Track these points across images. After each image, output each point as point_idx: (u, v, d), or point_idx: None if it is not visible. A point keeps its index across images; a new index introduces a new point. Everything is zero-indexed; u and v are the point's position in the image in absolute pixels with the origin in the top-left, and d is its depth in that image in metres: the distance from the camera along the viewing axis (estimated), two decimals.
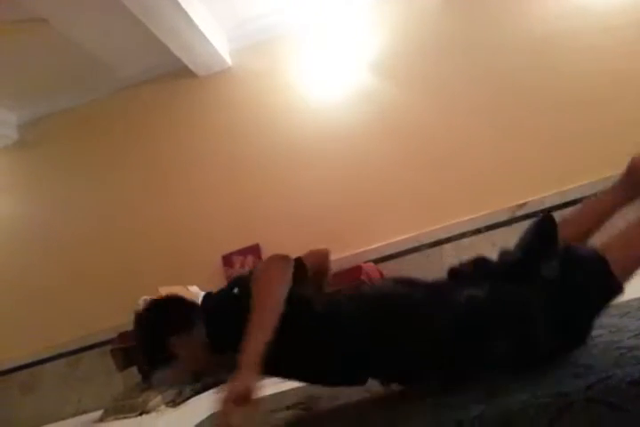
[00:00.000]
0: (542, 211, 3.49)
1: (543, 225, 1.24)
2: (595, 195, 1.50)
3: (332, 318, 1.21)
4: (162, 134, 4.24)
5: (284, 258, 1.24)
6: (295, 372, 1.28)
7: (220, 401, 0.99)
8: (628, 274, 1.13)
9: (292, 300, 1.17)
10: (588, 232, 1.43)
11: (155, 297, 1.53)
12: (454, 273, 1.35)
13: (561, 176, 3.51)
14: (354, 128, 3.88)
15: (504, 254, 1.32)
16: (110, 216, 4.21)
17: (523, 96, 3.67)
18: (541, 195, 3.51)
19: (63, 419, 3.76)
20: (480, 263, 1.31)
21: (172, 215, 4.10)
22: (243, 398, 0.98)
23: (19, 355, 4.08)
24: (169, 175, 4.16)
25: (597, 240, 1.33)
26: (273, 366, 1.10)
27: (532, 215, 3.49)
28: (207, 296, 1.41)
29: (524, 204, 3.53)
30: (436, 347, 1.12)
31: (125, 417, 2.84)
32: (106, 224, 4.20)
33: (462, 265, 1.35)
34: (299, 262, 1.44)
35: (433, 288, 1.27)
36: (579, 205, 1.54)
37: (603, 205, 1.44)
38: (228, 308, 1.24)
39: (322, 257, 1.53)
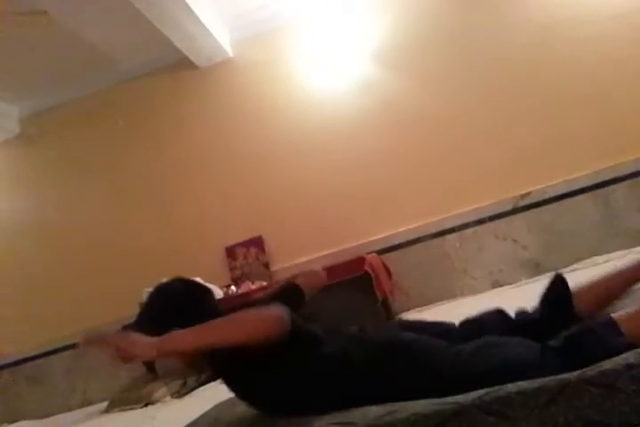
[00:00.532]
0: (546, 200, 3.49)
1: (557, 289, 1.22)
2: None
3: (342, 363, 1.18)
4: (164, 126, 4.23)
5: (280, 322, 1.12)
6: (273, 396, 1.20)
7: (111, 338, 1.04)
8: None
9: (300, 334, 1.17)
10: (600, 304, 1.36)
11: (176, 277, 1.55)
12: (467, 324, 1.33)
13: (564, 165, 3.49)
14: (356, 118, 3.87)
15: (521, 314, 1.32)
16: (113, 209, 4.23)
17: (526, 85, 3.65)
18: (545, 184, 3.50)
19: (70, 410, 3.80)
20: (494, 318, 1.30)
21: (175, 208, 4.10)
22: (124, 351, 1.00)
23: (25, 348, 4.11)
24: (172, 167, 4.16)
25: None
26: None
27: (536, 205, 3.50)
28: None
29: (528, 193, 3.52)
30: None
31: (131, 408, 2.86)
32: (109, 217, 4.21)
33: (477, 319, 1.33)
34: (296, 289, 1.44)
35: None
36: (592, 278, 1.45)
37: (617, 281, 1.39)
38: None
39: (318, 281, 1.50)
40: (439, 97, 3.79)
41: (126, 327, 3.18)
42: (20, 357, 4.13)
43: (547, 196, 3.49)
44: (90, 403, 3.73)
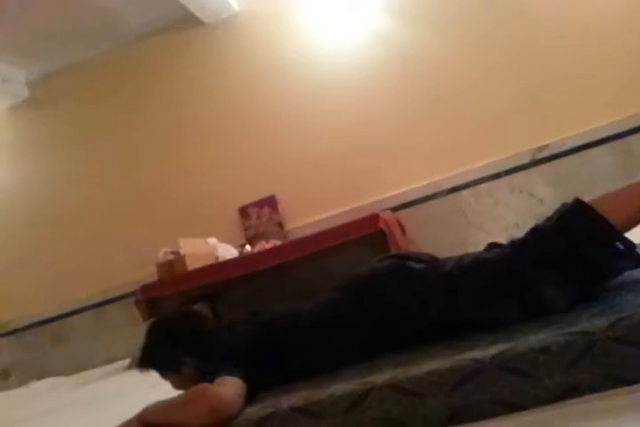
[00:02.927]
0: (564, 153, 3.40)
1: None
2: None
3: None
4: (173, 85, 4.16)
5: (226, 408, 1.09)
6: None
7: None
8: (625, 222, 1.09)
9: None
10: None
11: (185, 309, 1.60)
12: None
13: (583, 116, 3.38)
14: (367, 72, 3.75)
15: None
16: (126, 170, 4.22)
17: (543, 34, 3.49)
18: (563, 136, 3.40)
19: (94, 367, 3.93)
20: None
21: (188, 168, 4.08)
22: None
23: (48, 309, 4.22)
24: (182, 128, 4.12)
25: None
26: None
27: (553, 158, 3.41)
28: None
29: (545, 146, 3.43)
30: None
31: None
32: (122, 179, 4.22)
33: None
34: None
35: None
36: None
37: None
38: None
39: None
40: (453, 48, 3.64)
41: (144, 287, 3.25)
42: (44, 317, 4.25)
43: (565, 148, 3.39)
44: (113, 360, 3.84)
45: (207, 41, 4.07)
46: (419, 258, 1.25)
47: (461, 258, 1.24)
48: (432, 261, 1.26)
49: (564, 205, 1.19)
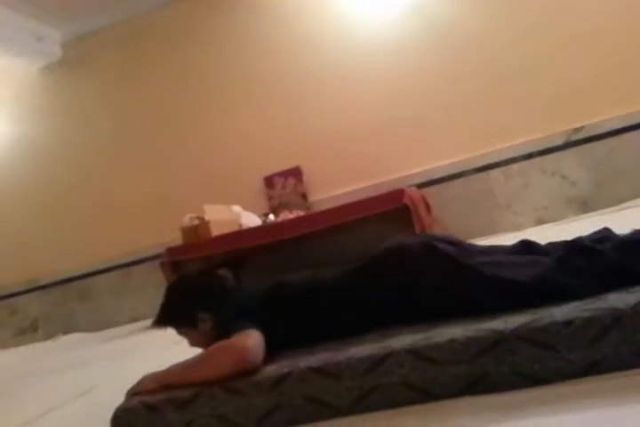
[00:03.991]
0: (600, 135, 3.30)
1: None
2: None
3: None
4: (204, 52, 4.14)
5: (247, 357, 1.11)
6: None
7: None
8: None
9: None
10: None
11: (203, 267, 1.59)
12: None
13: (623, 98, 3.27)
14: (403, 45, 3.68)
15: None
16: (156, 135, 4.25)
17: (587, 10, 3.35)
18: (601, 118, 3.30)
19: (118, 325, 4.04)
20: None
21: (216, 135, 4.10)
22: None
23: (76, 266, 4.34)
24: (213, 95, 4.11)
25: None
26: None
27: (589, 140, 3.32)
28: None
29: (581, 128, 3.33)
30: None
31: None
32: (152, 143, 4.25)
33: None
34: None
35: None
36: None
37: None
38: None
39: None
40: (491, 22, 3.53)
41: (170, 250, 3.31)
42: (71, 274, 4.37)
43: (602, 130, 3.30)
44: (136, 320, 3.95)
45: (240, 7, 4.02)
46: (448, 241, 1.23)
47: (490, 250, 1.20)
48: (461, 246, 1.23)
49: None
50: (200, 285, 1.44)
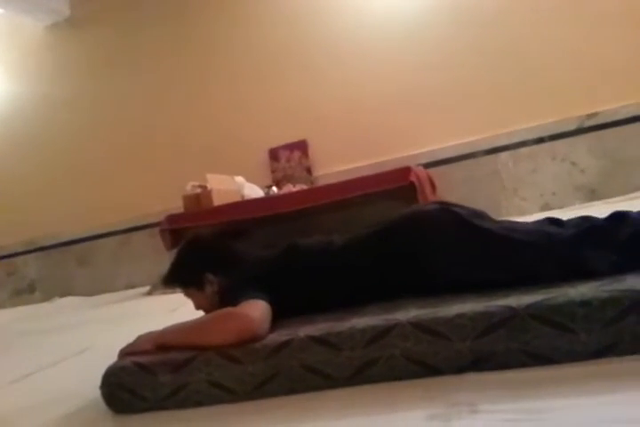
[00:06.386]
0: (614, 122, 3.23)
1: None
2: None
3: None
4: (212, 16, 4.04)
5: (252, 326, 1.07)
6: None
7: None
8: None
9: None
10: None
11: (214, 230, 1.58)
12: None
13: None
14: (411, 20, 3.58)
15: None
16: (160, 100, 4.18)
17: None
18: (617, 104, 3.22)
19: (115, 291, 4.05)
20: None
21: (223, 105, 4.03)
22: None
23: (75, 230, 4.32)
24: (221, 63, 4.04)
25: None
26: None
27: (603, 127, 3.25)
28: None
29: (595, 113, 3.26)
30: None
31: (173, 292, 3.00)
32: (156, 108, 4.19)
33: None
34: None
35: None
36: None
37: None
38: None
39: None
40: (509, 2, 3.42)
41: (170, 218, 3.28)
42: (69, 237, 4.36)
43: (616, 117, 3.22)
44: (133, 286, 3.95)
45: None
46: (465, 207, 1.20)
47: (513, 223, 1.18)
48: (477, 212, 1.20)
49: None
50: (211, 246, 1.42)
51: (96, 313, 3.10)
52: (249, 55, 3.96)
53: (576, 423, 0.68)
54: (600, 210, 1.30)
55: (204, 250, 1.41)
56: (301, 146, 3.86)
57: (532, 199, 3.38)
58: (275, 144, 3.90)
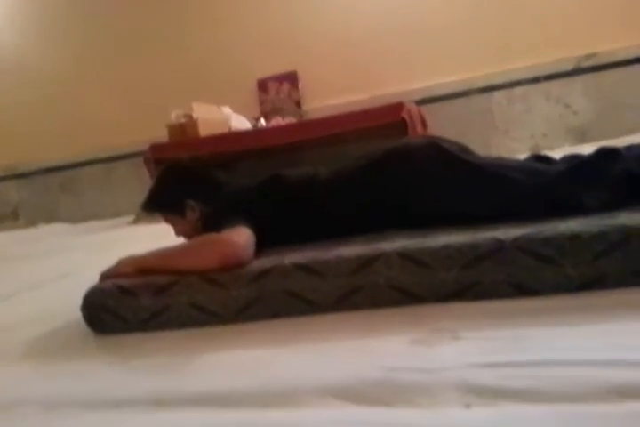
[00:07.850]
0: (612, 64, 3.16)
1: None
2: None
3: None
4: None
5: (237, 252, 1.06)
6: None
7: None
8: None
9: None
10: None
11: (193, 159, 1.56)
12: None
13: None
14: None
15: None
16: (147, 28, 3.98)
17: None
18: (615, 45, 3.13)
19: (99, 219, 4.02)
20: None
21: (210, 29, 3.84)
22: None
23: (58, 156, 4.22)
24: None
25: None
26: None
27: (600, 68, 3.18)
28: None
29: (593, 54, 3.18)
30: None
31: (158, 222, 2.98)
32: (141, 36, 4.00)
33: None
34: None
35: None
36: None
37: None
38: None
39: None
40: None
41: (154, 147, 3.20)
42: (53, 164, 4.27)
43: (615, 59, 3.15)
44: (118, 215, 3.92)
45: None
46: (453, 142, 1.18)
47: (501, 159, 1.17)
48: (467, 149, 1.18)
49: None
50: (191, 172, 1.39)
51: (80, 240, 3.08)
52: None
53: (552, 349, 0.69)
54: (590, 152, 1.28)
55: (185, 176, 1.38)
56: (291, 77, 3.73)
57: (522, 140, 3.35)
58: (264, 75, 3.76)
